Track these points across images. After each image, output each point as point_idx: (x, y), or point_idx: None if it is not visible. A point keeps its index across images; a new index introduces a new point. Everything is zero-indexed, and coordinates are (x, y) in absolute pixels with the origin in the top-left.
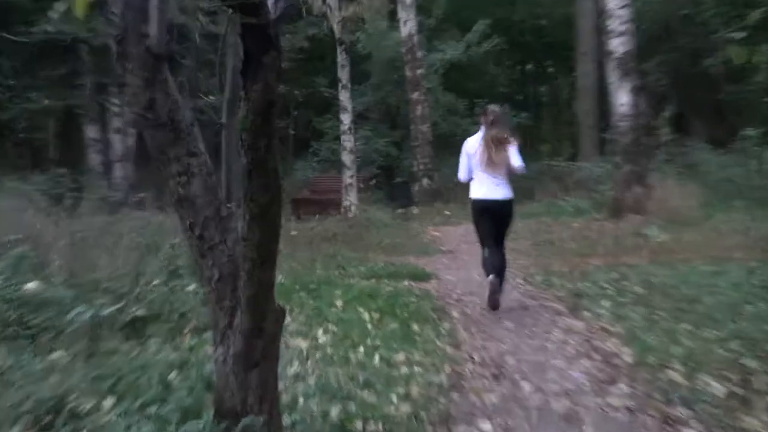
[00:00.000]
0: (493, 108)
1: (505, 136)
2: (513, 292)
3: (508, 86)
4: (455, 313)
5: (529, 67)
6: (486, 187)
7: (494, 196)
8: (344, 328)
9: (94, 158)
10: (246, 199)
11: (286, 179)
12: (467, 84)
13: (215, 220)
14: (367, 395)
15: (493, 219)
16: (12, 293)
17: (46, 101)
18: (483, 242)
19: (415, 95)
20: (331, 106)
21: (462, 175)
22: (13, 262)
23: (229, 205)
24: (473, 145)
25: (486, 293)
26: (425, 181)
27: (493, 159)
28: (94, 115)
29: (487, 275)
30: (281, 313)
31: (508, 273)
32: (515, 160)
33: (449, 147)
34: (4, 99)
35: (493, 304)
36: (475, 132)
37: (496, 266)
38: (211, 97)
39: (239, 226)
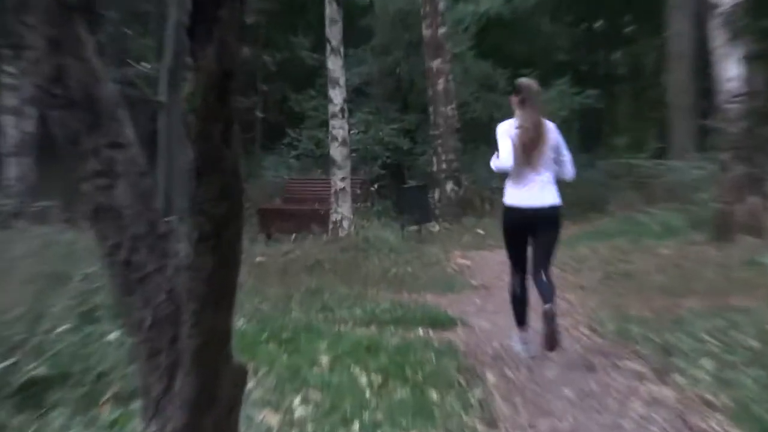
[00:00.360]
0: (527, 82)
1: (541, 122)
2: (574, 345)
3: (569, 52)
4: (491, 376)
5: (598, 24)
6: (526, 190)
7: (539, 203)
8: (332, 397)
9: None
10: (193, 210)
11: (252, 182)
12: (510, 48)
13: (149, 240)
14: None
15: (536, 234)
16: None
17: None
18: (519, 269)
19: (435, 63)
20: (316, 79)
21: (506, 160)
22: None
23: (169, 218)
24: (510, 130)
25: (541, 331)
26: (449, 187)
27: (531, 154)
28: None
29: (519, 325)
30: (241, 374)
31: (568, 320)
32: (566, 159)
33: (483, 138)
34: None
35: (551, 343)
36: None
37: (547, 293)
38: (144, 65)
39: (183, 249)
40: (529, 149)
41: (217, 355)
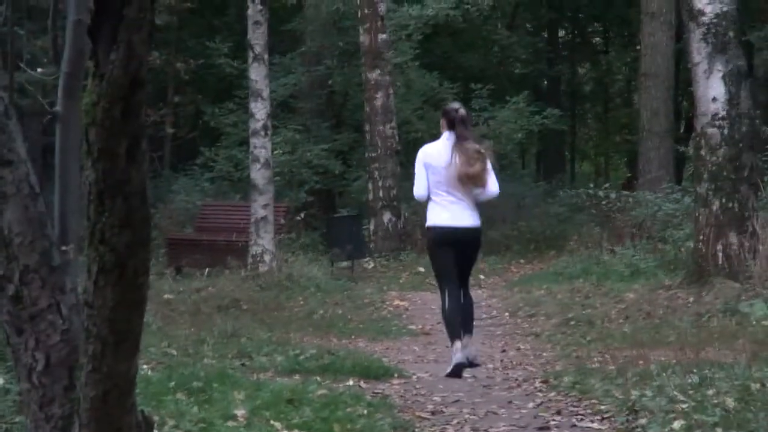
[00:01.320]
0: (457, 106)
1: (483, 147)
2: (527, 401)
3: (528, 64)
4: None
5: (563, 33)
6: (452, 212)
7: (464, 223)
8: None
9: None
10: (93, 239)
11: (160, 208)
12: (460, 59)
13: (41, 273)
14: None
15: (459, 253)
16: None
17: None
18: (446, 284)
19: (373, 75)
20: (235, 90)
21: (421, 190)
22: None
23: (65, 248)
24: (435, 154)
25: (451, 365)
26: (387, 217)
27: (469, 176)
28: None
29: (453, 338)
30: (146, 428)
31: (519, 372)
32: (492, 180)
33: None
34: None
35: (457, 372)
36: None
37: (467, 320)
38: (38, 70)
39: (81, 284)
40: (465, 174)
41: (119, 405)
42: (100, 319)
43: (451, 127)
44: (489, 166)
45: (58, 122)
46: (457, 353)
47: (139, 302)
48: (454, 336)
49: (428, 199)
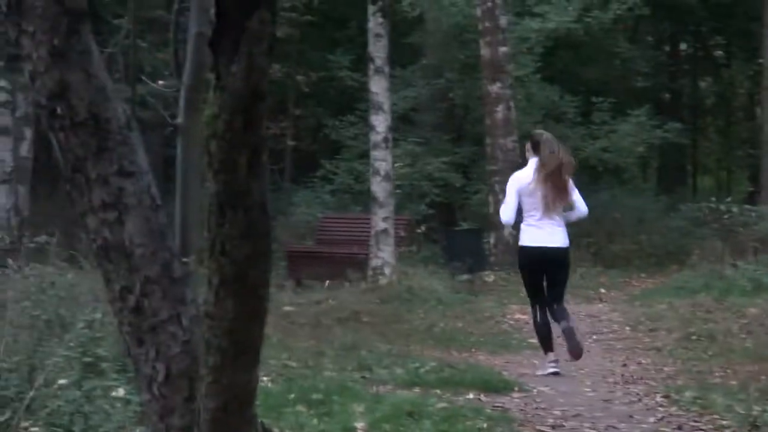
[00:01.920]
0: (545, 135)
1: (572, 165)
2: (647, 416)
3: (649, 78)
4: None
5: (684, 46)
6: (544, 233)
7: (554, 243)
8: None
9: None
10: (213, 251)
11: (280, 220)
12: (581, 72)
13: (162, 284)
14: None
15: (551, 272)
16: None
17: None
18: (539, 301)
19: (494, 88)
20: (356, 103)
21: (509, 215)
22: None
23: (186, 259)
24: (525, 178)
25: (546, 372)
26: (507, 231)
27: (556, 197)
28: None
29: (546, 351)
30: None
31: (640, 387)
32: (579, 201)
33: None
34: None
35: (577, 352)
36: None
37: (567, 319)
38: (160, 83)
39: (202, 295)
40: (554, 195)
41: (239, 416)
42: (220, 331)
43: (539, 153)
44: (571, 187)
45: (179, 134)
46: (551, 364)
47: (259, 314)
48: (547, 349)
49: (516, 221)
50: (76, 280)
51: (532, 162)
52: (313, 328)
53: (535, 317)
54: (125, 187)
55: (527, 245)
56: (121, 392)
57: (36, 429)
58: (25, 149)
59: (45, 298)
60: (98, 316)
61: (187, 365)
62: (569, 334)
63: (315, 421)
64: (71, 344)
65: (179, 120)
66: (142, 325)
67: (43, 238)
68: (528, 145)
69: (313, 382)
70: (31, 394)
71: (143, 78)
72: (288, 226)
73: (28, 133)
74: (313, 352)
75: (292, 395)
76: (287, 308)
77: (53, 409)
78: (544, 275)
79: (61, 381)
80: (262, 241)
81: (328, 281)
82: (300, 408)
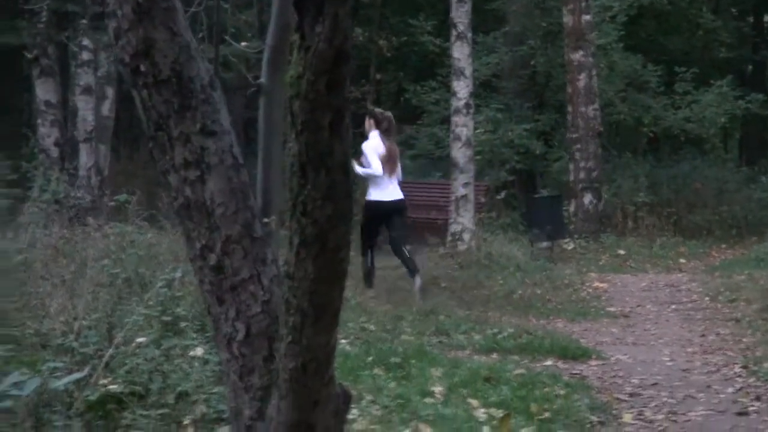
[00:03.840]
0: (386, 113)
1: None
2: (725, 386)
3: (733, 49)
4: (627, 417)
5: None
6: (391, 190)
7: (401, 197)
8: None
9: (46, 134)
10: (295, 211)
11: (360, 185)
12: (664, 41)
13: (243, 244)
14: None
15: (395, 220)
16: None
17: None
18: (372, 245)
19: (576, 56)
20: (437, 68)
21: (378, 170)
22: None
23: (267, 219)
24: (376, 147)
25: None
26: (587, 199)
27: (394, 165)
28: (50, 64)
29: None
30: (344, 401)
31: (719, 357)
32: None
33: (629, 144)
34: None
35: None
36: None
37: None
38: (243, 44)
39: (282, 256)
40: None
41: (317, 378)
42: (300, 292)
43: (382, 130)
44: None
45: (262, 94)
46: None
47: (339, 276)
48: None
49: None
50: (155, 240)
51: (375, 137)
52: (391, 292)
53: (367, 262)
54: (207, 146)
55: (381, 200)
56: (199, 351)
57: (114, 386)
58: (106, 108)
59: (125, 257)
60: (178, 275)
61: (266, 325)
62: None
63: (393, 384)
64: (150, 303)
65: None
66: (223, 285)
67: (123, 197)
68: (369, 122)
69: (391, 346)
70: (110, 351)
71: (226, 38)
72: (366, 191)
73: (110, 92)
74: (392, 315)
75: (370, 358)
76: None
77: (132, 367)
78: (392, 223)
79: (140, 339)
80: (343, 202)
81: (407, 246)
82: (378, 371)
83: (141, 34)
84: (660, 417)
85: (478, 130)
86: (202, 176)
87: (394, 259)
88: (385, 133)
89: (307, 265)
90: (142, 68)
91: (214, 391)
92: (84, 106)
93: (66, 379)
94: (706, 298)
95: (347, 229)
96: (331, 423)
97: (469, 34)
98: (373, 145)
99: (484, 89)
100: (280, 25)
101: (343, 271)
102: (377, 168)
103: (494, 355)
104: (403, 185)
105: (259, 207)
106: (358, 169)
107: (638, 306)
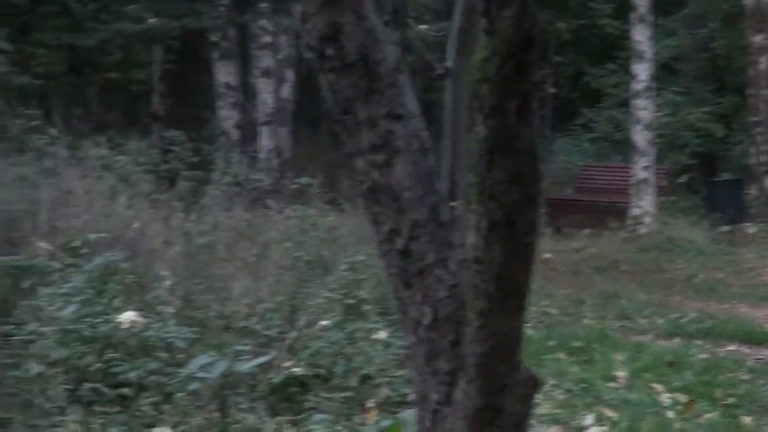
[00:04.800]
0: None
1: None
2: None
3: None
4: None
5: None
6: None
7: None
8: (629, 416)
9: (226, 117)
10: (482, 195)
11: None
12: None
13: (430, 228)
14: None
15: None
16: (94, 328)
17: (152, 20)
18: None
19: (758, 38)
20: (617, 51)
21: None
22: (96, 278)
23: (454, 204)
24: None
25: None
26: None
27: None
28: (230, 47)
29: None
30: (532, 385)
31: None
32: None
33: None
34: (85, 16)
35: None
36: None
37: None
38: (423, 27)
39: (469, 240)
40: None
41: (505, 362)
42: (488, 276)
43: None
44: None
45: (448, 77)
46: None
47: (526, 260)
48: None
49: None
50: (337, 222)
51: None
52: (573, 276)
53: None
54: (394, 130)
55: None
56: (382, 335)
57: (298, 369)
58: (286, 91)
59: (306, 240)
60: (360, 258)
61: (453, 309)
62: None
63: (575, 368)
64: (333, 286)
65: (448, 63)
66: (410, 268)
67: (305, 180)
68: None
69: (572, 330)
70: (294, 334)
71: (408, 22)
72: (548, 174)
73: (290, 75)
74: (573, 299)
75: (553, 342)
76: (547, 255)
77: (315, 350)
78: None
79: (323, 322)
80: (531, 186)
81: (587, 229)
82: (560, 355)
83: (328, 18)
84: None
85: (659, 113)
86: (389, 160)
87: (574, 242)
88: None
89: (495, 249)
90: (329, 52)
91: (397, 374)
92: (264, 88)
93: (253, 363)
94: None
95: (534, 214)
96: (519, 408)
97: (650, 17)
98: None
99: (663, 72)
100: (468, 7)
101: (531, 255)
102: None
103: (677, 340)
104: (583, 168)
105: (446, 191)
106: None
107: None
